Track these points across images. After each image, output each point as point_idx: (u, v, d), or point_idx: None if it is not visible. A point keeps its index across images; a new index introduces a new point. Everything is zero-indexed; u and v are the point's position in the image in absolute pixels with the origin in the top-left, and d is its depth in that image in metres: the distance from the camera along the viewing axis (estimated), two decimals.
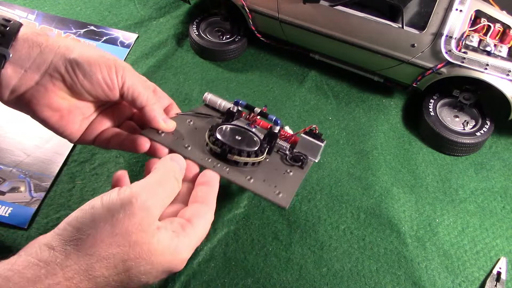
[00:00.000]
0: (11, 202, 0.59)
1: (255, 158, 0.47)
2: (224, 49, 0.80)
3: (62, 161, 0.63)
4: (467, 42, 0.67)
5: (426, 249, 0.58)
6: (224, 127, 0.50)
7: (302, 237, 0.58)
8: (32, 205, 0.59)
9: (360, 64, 0.76)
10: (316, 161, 0.50)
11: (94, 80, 0.43)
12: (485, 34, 0.66)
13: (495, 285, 0.55)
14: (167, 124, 0.49)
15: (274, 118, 0.49)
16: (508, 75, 0.64)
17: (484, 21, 0.67)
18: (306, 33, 0.74)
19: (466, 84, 0.70)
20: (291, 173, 0.48)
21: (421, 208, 0.63)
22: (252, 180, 0.46)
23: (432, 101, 0.72)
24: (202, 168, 0.47)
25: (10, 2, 0.86)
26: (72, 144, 0.65)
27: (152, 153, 0.49)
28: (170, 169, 0.42)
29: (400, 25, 0.68)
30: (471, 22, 0.66)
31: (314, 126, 0.52)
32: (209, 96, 0.55)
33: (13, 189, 0.60)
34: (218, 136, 0.47)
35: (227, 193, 0.62)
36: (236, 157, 0.46)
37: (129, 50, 0.81)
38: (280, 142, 0.51)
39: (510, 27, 0.66)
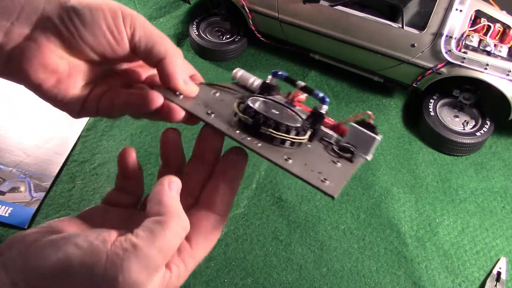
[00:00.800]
0: (11, 202, 0.59)
1: (296, 137, 0.37)
2: (224, 49, 0.80)
3: (62, 161, 0.63)
4: (467, 42, 0.67)
5: (426, 249, 0.58)
6: (258, 98, 0.40)
7: (302, 237, 0.58)
8: (32, 205, 0.59)
9: (360, 64, 0.76)
10: (369, 159, 0.40)
11: (97, 30, 0.34)
12: (485, 34, 0.66)
13: (495, 285, 0.55)
14: (187, 86, 0.38)
15: (321, 95, 0.39)
16: (508, 75, 0.64)
17: (484, 21, 0.67)
18: (306, 33, 0.74)
19: (466, 84, 0.70)
20: (339, 164, 0.38)
21: (421, 208, 0.63)
22: (290, 161, 0.36)
23: (432, 101, 0.72)
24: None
25: None
26: (72, 144, 0.66)
27: (165, 115, 0.37)
28: (171, 209, 0.30)
29: (400, 25, 0.68)
30: (471, 22, 0.66)
31: (370, 113, 0.40)
32: (240, 73, 0.45)
33: (13, 189, 0.60)
34: (251, 104, 0.37)
35: None
36: (271, 131, 0.36)
37: None
38: (325, 129, 0.42)
39: (510, 27, 0.65)
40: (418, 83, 0.71)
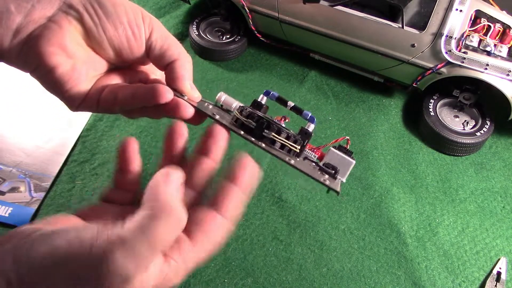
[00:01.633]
0: (11, 202, 0.59)
1: (293, 144, 0.39)
2: (224, 49, 0.80)
3: (62, 161, 0.63)
4: (467, 42, 0.67)
5: (426, 249, 0.58)
6: (253, 111, 0.41)
7: (302, 237, 0.58)
8: (32, 205, 0.59)
9: (360, 64, 0.76)
10: (344, 181, 0.43)
11: (117, 23, 0.34)
12: (485, 34, 0.66)
13: (495, 285, 0.55)
14: (193, 91, 0.39)
15: (310, 115, 0.41)
16: (508, 75, 0.64)
17: (484, 21, 0.67)
18: (306, 33, 0.74)
19: (466, 84, 0.70)
20: (326, 176, 0.41)
21: (421, 208, 0.63)
22: (292, 161, 0.38)
23: (432, 101, 0.72)
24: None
25: None
26: (72, 144, 0.66)
27: (173, 111, 0.37)
28: (165, 203, 0.30)
29: (400, 25, 0.68)
30: (471, 22, 0.66)
31: (347, 138, 0.45)
32: (223, 97, 0.46)
33: (13, 189, 0.60)
34: (254, 110, 0.38)
35: None
36: (274, 135, 0.38)
37: None
38: (307, 151, 0.45)
39: (510, 27, 0.65)
40: (418, 83, 0.71)
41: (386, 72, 0.74)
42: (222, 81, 0.78)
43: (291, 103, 0.43)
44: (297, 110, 0.43)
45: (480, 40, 0.67)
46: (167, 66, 0.37)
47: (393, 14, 0.70)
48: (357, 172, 0.66)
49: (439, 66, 0.67)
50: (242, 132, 0.37)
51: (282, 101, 0.44)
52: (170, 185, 0.31)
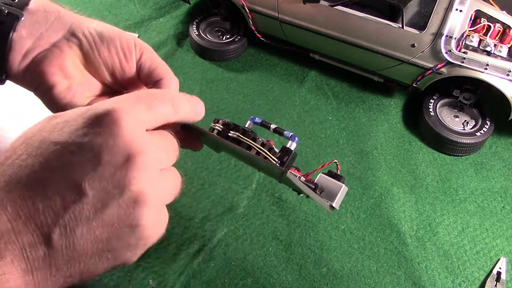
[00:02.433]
0: None
1: (268, 152, 0.39)
2: (224, 49, 0.80)
3: None
4: (467, 42, 0.67)
5: (426, 249, 0.58)
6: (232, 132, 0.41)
7: (302, 237, 0.58)
8: None
9: (360, 64, 0.76)
10: (337, 208, 0.42)
11: (111, 47, 0.40)
12: (485, 34, 0.66)
13: (495, 285, 0.55)
14: None
15: (290, 134, 0.42)
16: (508, 75, 0.64)
17: (484, 21, 0.67)
18: (306, 33, 0.74)
19: (466, 84, 0.70)
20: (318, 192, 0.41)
21: (421, 208, 0.63)
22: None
23: (432, 101, 0.72)
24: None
25: None
26: None
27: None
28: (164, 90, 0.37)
29: (400, 25, 0.68)
30: (471, 22, 0.66)
31: (335, 161, 0.44)
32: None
33: None
34: (228, 121, 0.39)
35: (227, 193, 0.62)
36: (250, 141, 0.38)
37: None
38: (293, 173, 0.43)
39: (510, 27, 0.66)
40: (418, 83, 0.71)
41: (386, 72, 0.74)
42: (222, 81, 0.78)
43: (273, 126, 0.43)
44: (278, 131, 0.43)
45: (480, 40, 0.67)
46: (154, 85, 0.42)
47: (393, 14, 0.70)
48: (357, 172, 0.66)
49: (439, 66, 0.67)
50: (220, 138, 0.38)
51: (265, 125, 0.44)
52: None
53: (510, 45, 0.66)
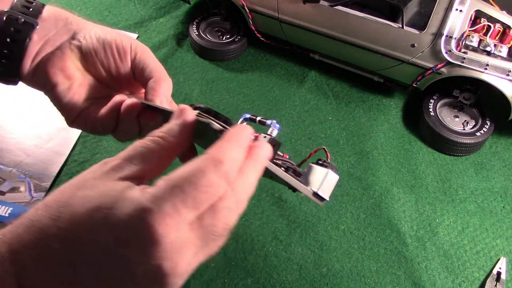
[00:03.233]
0: (11, 202, 0.59)
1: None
2: (224, 49, 0.80)
3: (62, 161, 0.63)
4: (467, 42, 0.67)
5: (426, 249, 0.58)
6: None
7: (302, 237, 0.58)
8: (32, 205, 0.58)
9: (360, 64, 0.76)
10: (327, 199, 0.36)
11: (107, 48, 0.43)
12: (485, 34, 0.66)
13: (495, 285, 0.55)
14: (162, 105, 0.43)
15: (272, 121, 0.40)
16: (508, 75, 0.64)
17: (484, 21, 0.67)
18: (306, 33, 0.74)
19: (466, 84, 0.70)
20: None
21: (421, 208, 0.63)
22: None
23: (432, 101, 0.72)
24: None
25: None
26: (72, 144, 0.66)
27: (148, 119, 0.43)
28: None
29: (400, 25, 0.68)
30: (471, 22, 0.66)
31: (324, 147, 0.42)
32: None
33: (13, 189, 0.60)
34: (200, 105, 0.37)
35: None
36: (220, 123, 0.34)
37: None
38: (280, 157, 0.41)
39: (510, 27, 0.65)
40: (418, 83, 0.71)
41: (386, 72, 0.74)
42: (222, 81, 0.78)
43: (258, 118, 0.44)
44: (262, 122, 0.44)
45: (480, 40, 0.67)
46: (146, 83, 0.44)
47: (393, 14, 0.70)
48: (357, 172, 0.66)
49: (439, 66, 0.67)
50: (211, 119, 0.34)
51: (252, 119, 0.44)
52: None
53: (510, 45, 0.66)
